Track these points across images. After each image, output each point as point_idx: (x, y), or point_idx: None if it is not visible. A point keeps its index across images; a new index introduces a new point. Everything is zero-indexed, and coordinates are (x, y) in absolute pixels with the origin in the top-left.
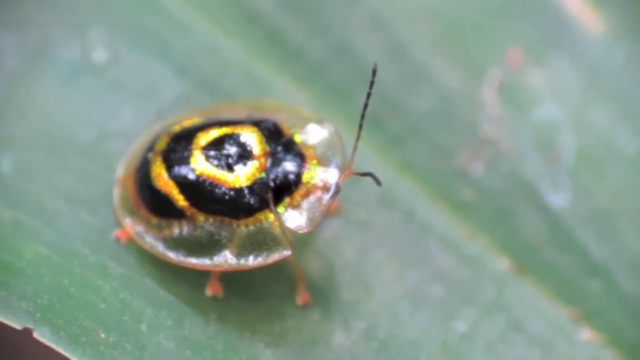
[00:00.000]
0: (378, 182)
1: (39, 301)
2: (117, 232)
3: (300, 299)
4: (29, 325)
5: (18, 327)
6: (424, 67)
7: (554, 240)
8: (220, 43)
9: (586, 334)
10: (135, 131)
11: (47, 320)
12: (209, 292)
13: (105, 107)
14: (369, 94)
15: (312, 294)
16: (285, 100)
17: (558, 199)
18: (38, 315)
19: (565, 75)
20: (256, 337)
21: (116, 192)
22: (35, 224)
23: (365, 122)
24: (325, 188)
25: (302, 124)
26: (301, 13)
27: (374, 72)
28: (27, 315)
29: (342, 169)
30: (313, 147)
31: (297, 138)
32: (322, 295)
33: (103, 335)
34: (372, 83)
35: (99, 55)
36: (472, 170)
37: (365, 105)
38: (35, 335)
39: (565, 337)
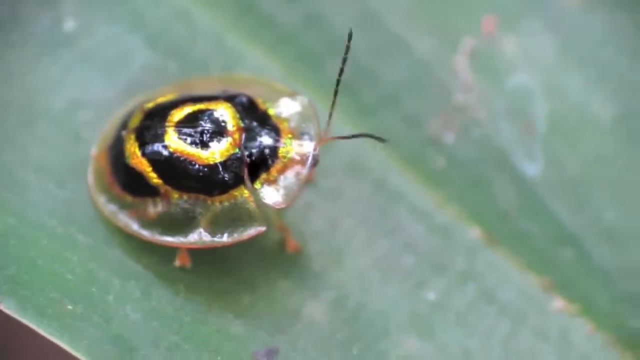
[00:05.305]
0: (381, 140)
1: (5, 272)
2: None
3: (290, 247)
4: None
5: None
6: (397, 35)
7: (526, 210)
8: (191, 11)
9: (558, 304)
10: (105, 101)
11: (14, 291)
12: (177, 262)
13: (75, 77)
14: (344, 59)
15: (281, 264)
16: (256, 69)
17: (531, 168)
18: (4, 287)
19: (539, 43)
20: (225, 308)
21: (90, 170)
22: (4, 194)
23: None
24: (302, 161)
25: (276, 97)
26: None
27: (350, 36)
28: None
29: (318, 139)
30: (287, 120)
31: (271, 112)
32: (292, 266)
33: (70, 307)
34: (347, 48)
35: (69, 25)
36: (444, 139)
37: (341, 70)
38: (1, 307)
39: (536, 306)
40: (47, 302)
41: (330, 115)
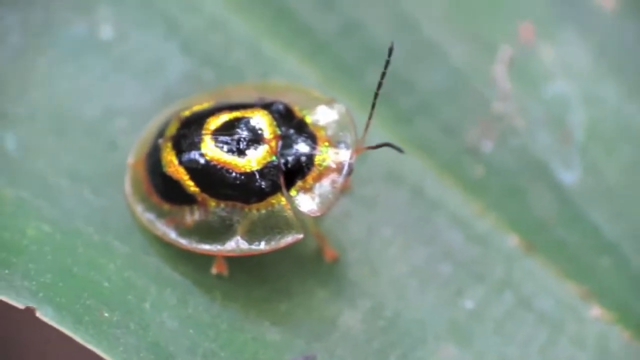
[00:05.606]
0: (399, 150)
1: (41, 280)
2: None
3: (327, 255)
4: (32, 305)
5: (20, 306)
6: (434, 43)
7: (564, 218)
8: (227, 19)
9: (596, 312)
10: (140, 109)
11: (50, 299)
12: (214, 270)
13: (111, 85)
14: (383, 73)
15: (318, 272)
16: (293, 77)
17: (568, 176)
18: (41, 294)
19: (576, 51)
20: (262, 315)
21: (127, 178)
22: (38, 201)
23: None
24: (338, 169)
25: (313, 105)
26: None
27: (390, 51)
28: (29, 294)
29: (354, 147)
30: (324, 128)
31: (308, 119)
32: (329, 274)
33: (106, 315)
34: (387, 63)
35: (105, 32)
36: (482, 147)
37: (379, 84)
38: (37, 314)
39: (574, 314)
40: (83, 310)
41: (367, 126)
